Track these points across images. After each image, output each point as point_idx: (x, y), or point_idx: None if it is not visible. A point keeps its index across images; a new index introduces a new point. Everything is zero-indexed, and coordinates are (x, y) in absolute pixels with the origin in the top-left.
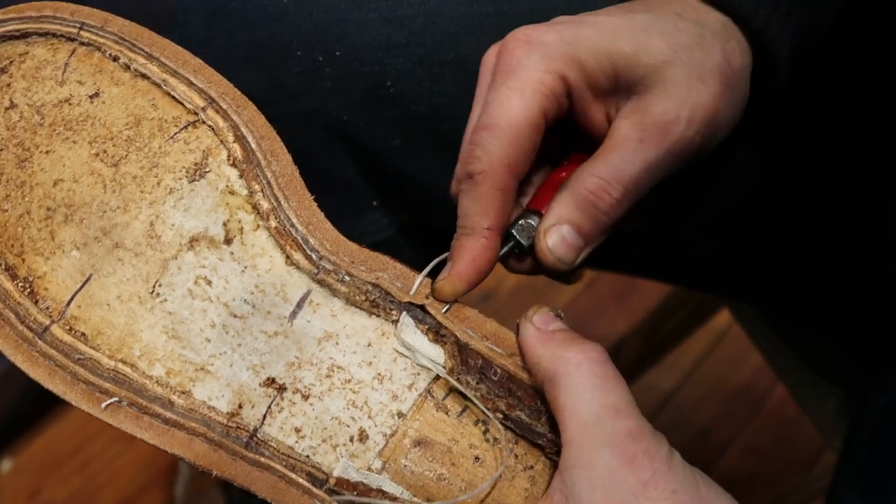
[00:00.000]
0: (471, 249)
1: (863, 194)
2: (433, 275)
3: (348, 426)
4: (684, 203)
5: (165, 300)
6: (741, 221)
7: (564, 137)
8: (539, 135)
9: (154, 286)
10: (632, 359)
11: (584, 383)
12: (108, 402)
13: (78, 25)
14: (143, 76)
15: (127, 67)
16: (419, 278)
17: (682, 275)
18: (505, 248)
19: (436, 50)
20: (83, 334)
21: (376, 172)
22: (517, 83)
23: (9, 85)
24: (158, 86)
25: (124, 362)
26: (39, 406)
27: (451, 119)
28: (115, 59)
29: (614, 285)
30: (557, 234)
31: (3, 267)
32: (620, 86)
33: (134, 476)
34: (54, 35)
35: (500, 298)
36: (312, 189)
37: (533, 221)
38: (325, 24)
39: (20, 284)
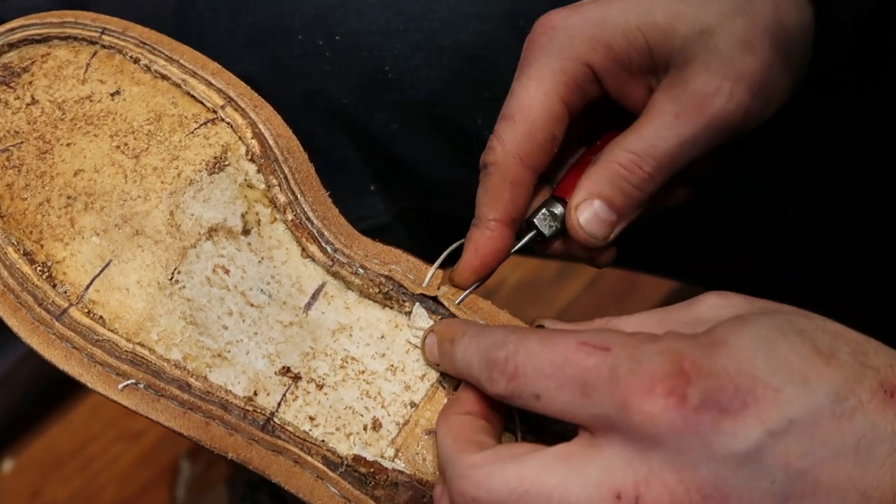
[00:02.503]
0: (476, 240)
1: (867, 190)
2: (446, 265)
3: (362, 415)
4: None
5: (184, 287)
6: (743, 216)
7: (598, 120)
8: (560, 125)
9: (173, 273)
10: None
11: None
12: (125, 383)
13: (100, 30)
14: (164, 77)
15: (147, 69)
16: (431, 270)
17: (683, 270)
18: (526, 238)
19: (433, 36)
20: (101, 318)
21: (375, 156)
22: (537, 72)
23: (31, 83)
24: (178, 86)
25: (142, 346)
26: (40, 406)
27: (448, 104)
28: (136, 60)
29: (614, 286)
30: (589, 210)
31: (22, 252)
32: (657, 61)
33: (135, 476)
34: (76, 39)
35: (501, 297)
36: None
37: (556, 210)
38: (326, 7)
39: (38, 269)
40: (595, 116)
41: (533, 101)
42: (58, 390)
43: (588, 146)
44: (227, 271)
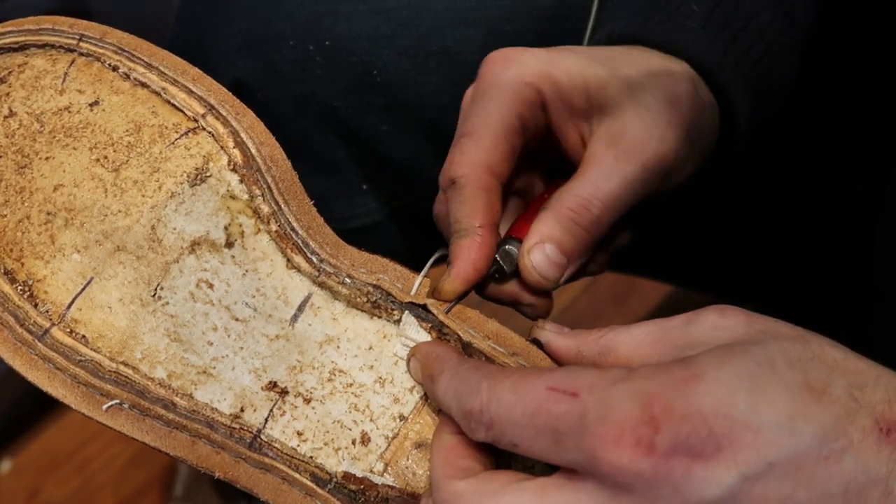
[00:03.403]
0: (466, 248)
1: (861, 193)
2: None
3: (350, 429)
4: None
5: (167, 303)
6: (739, 220)
7: (543, 171)
8: (518, 138)
9: (156, 289)
10: None
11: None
12: (110, 404)
13: (77, 37)
14: (143, 85)
15: (126, 77)
16: (419, 278)
17: (680, 274)
18: (486, 272)
19: (420, 41)
20: (84, 337)
21: (366, 157)
22: (495, 92)
23: (8, 94)
24: (158, 94)
25: (126, 365)
26: (38, 407)
27: (435, 107)
28: (115, 68)
29: (612, 287)
30: (540, 253)
31: (2, 271)
32: (593, 105)
33: (133, 477)
34: (53, 46)
35: (494, 305)
36: (305, 169)
37: (513, 247)
38: (317, 14)
39: (19, 288)
40: (544, 166)
41: (494, 116)
42: None
43: (539, 194)
44: (210, 285)
